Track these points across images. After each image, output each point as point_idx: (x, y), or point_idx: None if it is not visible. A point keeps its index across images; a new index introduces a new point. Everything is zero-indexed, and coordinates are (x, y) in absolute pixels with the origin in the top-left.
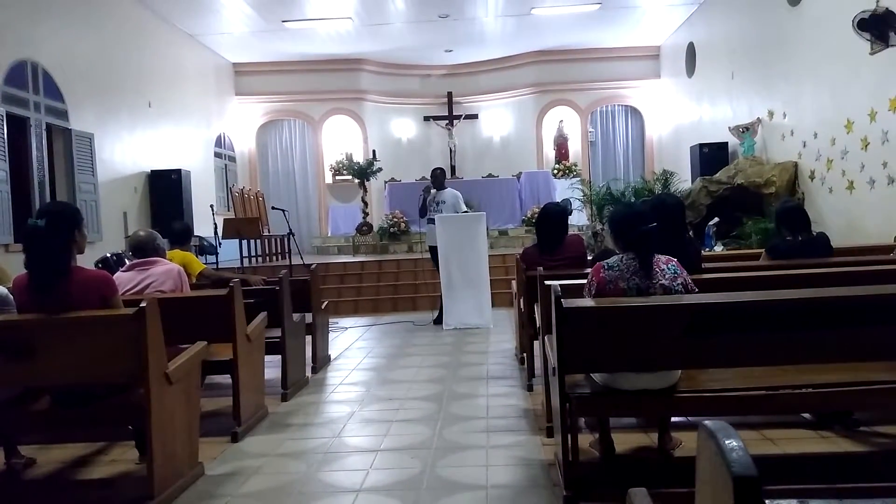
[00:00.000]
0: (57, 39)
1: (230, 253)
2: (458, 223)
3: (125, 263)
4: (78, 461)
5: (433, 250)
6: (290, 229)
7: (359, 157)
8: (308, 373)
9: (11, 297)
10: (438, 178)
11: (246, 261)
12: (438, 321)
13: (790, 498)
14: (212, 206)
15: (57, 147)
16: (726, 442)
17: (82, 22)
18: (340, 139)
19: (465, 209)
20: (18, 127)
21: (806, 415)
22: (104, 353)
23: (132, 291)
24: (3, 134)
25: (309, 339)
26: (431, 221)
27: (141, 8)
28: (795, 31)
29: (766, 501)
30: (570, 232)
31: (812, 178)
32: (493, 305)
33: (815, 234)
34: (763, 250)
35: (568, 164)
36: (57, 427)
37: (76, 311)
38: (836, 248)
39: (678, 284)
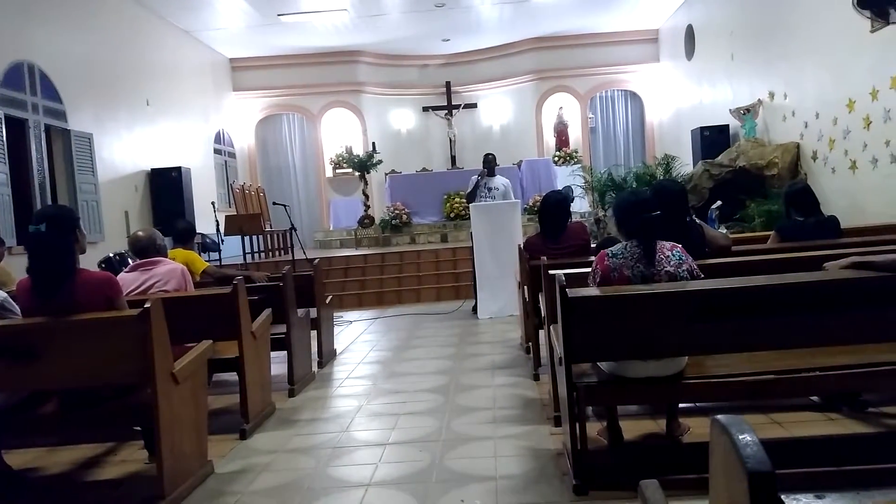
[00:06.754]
0: (53, 40)
1: (232, 249)
2: (492, 212)
3: (128, 263)
4: (88, 462)
5: None
6: (292, 224)
7: (358, 150)
8: (314, 368)
9: (13, 301)
10: (491, 164)
11: (248, 257)
12: (475, 311)
13: (806, 492)
14: (213, 202)
15: (56, 148)
16: (740, 437)
17: (78, 22)
18: (339, 132)
19: (515, 200)
20: (17, 129)
21: (813, 397)
22: (110, 354)
23: (136, 292)
24: (2, 136)
25: (314, 333)
26: None
27: (136, 6)
28: (795, 10)
29: (782, 496)
30: (573, 219)
31: (814, 158)
32: None
33: (825, 216)
34: (770, 232)
35: (568, 151)
36: (65, 429)
37: (81, 313)
38: (844, 228)
39: (684, 270)
